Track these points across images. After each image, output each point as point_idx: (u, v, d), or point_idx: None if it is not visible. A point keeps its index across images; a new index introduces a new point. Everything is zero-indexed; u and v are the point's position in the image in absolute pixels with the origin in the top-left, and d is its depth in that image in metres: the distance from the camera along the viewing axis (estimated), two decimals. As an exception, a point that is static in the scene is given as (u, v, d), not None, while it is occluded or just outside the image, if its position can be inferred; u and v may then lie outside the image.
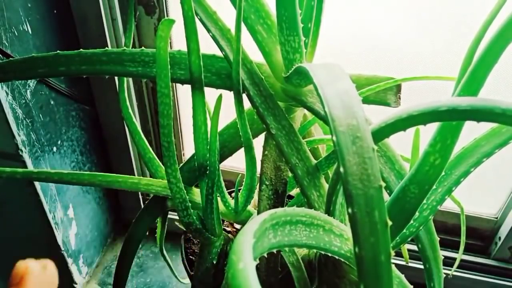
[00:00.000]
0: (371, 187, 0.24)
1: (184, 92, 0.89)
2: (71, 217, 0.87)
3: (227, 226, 0.68)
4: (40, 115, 0.72)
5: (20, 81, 0.66)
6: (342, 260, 0.38)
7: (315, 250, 0.48)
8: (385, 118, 0.31)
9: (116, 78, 0.79)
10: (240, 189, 0.58)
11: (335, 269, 0.43)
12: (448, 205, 0.90)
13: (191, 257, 0.71)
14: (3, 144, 0.67)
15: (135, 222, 0.60)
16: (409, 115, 0.29)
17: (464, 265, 0.94)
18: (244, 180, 0.56)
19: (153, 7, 0.78)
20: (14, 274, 0.30)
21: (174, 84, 0.78)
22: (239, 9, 0.42)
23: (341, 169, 0.25)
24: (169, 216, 0.65)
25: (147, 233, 0.61)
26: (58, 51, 0.48)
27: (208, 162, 0.49)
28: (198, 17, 0.48)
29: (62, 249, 0.85)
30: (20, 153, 0.68)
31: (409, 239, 0.43)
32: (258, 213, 0.54)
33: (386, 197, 0.42)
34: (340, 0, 0.73)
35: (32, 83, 0.69)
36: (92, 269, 1.01)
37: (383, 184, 0.25)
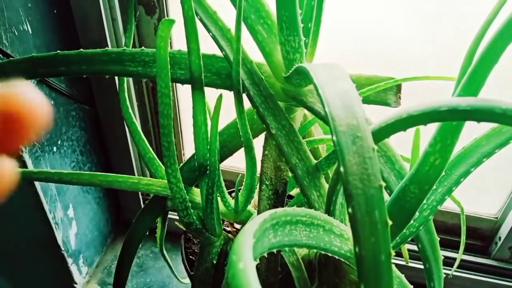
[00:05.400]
0: (371, 187, 0.24)
1: (184, 92, 0.89)
2: (71, 217, 0.87)
3: (227, 226, 0.68)
4: (40, 115, 0.72)
5: (20, 81, 0.65)
6: (342, 260, 0.38)
7: (315, 250, 0.48)
8: (385, 118, 0.31)
9: (116, 78, 0.79)
10: (240, 189, 0.58)
11: (335, 269, 0.43)
12: (448, 205, 0.90)
13: (191, 257, 0.71)
14: (3, 144, 0.67)
15: (135, 222, 0.60)
16: (409, 115, 0.29)
17: (464, 265, 0.94)
18: (244, 180, 0.56)
19: (153, 7, 0.78)
20: None
21: (174, 84, 0.78)
22: (239, 9, 0.42)
23: (341, 169, 0.25)
24: (169, 216, 0.65)
25: (147, 233, 0.61)
26: (58, 51, 0.48)
27: (208, 162, 0.49)
28: (198, 17, 0.48)
29: (62, 249, 0.85)
30: (20, 153, 0.68)
31: (409, 239, 0.43)
32: (258, 213, 0.54)
33: (386, 197, 0.42)
34: (341, 0, 0.73)
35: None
36: (92, 269, 1.01)
37: (383, 184, 0.25)
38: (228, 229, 0.67)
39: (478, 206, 0.92)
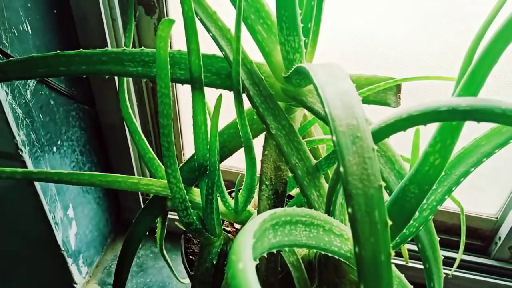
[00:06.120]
0: (371, 187, 0.24)
1: (184, 92, 0.89)
2: (71, 217, 0.87)
3: (227, 226, 0.68)
4: (40, 115, 0.72)
5: (20, 81, 0.66)
6: (342, 260, 0.38)
7: (315, 250, 0.48)
8: (385, 118, 0.31)
9: (116, 78, 0.79)
10: (240, 189, 0.58)
11: (335, 269, 0.43)
12: (448, 205, 0.90)
13: (191, 257, 0.71)
14: (3, 144, 0.67)
15: (135, 222, 0.60)
16: (409, 115, 0.29)
17: (464, 265, 0.94)
18: (244, 180, 0.56)
19: (153, 7, 0.78)
20: None
21: (174, 84, 0.78)
22: (239, 9, 0.42)
23: (341, 169, 0.25)
24: (169, 216, 0.65)
25: (147, 233, 0.61)
26: (58, 51, 0.48)
27: (208, 162, 0.49)
28: (198, 17, 0.48)
29: (62, 249, 0.85)
30: (20, 153, 0.68)
31: (409, 239, 0.43)
32: (258, 213, 0.54)
33: (386, 197, 0.42)
34: (341, 0, 0.73)
35: (32, 83, 0.69)
36: (92, 269, 1.01)
37: (383, 184, 0.25)
38: (228, 229, 0.67)
39: (478, 206, 0.92)
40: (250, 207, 0.61)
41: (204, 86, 0.47)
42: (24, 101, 0.67)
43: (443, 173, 0.36)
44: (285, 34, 0.43)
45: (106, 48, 0.49)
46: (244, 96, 0.47)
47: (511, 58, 0.71)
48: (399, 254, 0.65)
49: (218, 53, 0.50)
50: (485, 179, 0.87)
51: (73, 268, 0.91)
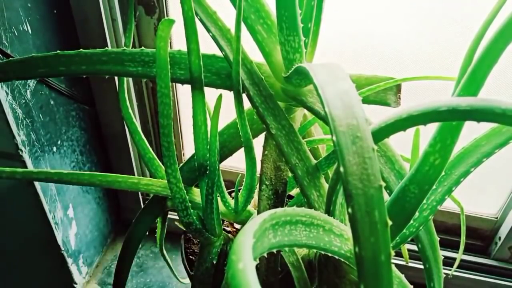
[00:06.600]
0: (371, 187, 0.24)
1: (184, 92, 0.89)
2: (71, 217, 0.87)
3: (227, 226, 0.68)
4: (40, 115, 0.72)
5: (20, 81, 0.66)
6: (342, 260, 0.38)
7: (315, 250, 0.48)
8: (385, 118, 0.31)
9: (116, 78, 0.79)
10: (240, 189, 0.58)
11: (335, 269, 0.43)
12: (448, 205, 0.90)
13: (191, 257, 0.71)
14: (3, 144, 0.67)
15: (135, 222, 0.60)
16: (409, 115, 0.29)
17: (464, 265, 0.94)
18: (244, 180, 0.56)
19: (153, 7, 0.78)
20: None
21: (174, 84, 0.78)
22: (239, 9, 0.42)
23: (341, 169, 0.25)
24: (169, 216, 0.65)
25: (147, 233, 0.61)
26: (58, 51, 0.48)
27: (208, 162, 0.49)
28: (198, 17, 0.48)
29: (62, 249, 0.85)
30: (20, 153, 0.68)
31: (409, 239, 0.43)
32: (258, 213, 0.54)
33: (386, 197, 0.42)
34: (341, 0, 0.73)
35: (32, 83, 0.69)
36: (92, 269, 1.01)
37: (383, 184, 0.25)
38: (228, 229, 0.67)
39: (478, 206, 0.92)
40: (250, 207, 0.61)
41: (204, 86, 0.47)
42: (24, 101, 0.67)
43: (443, 173, 0.36)
44: (285, 34, 0.43)
45: (106, 48, 0.49)
46: (244, 96, 0.47)
47: (511, 58, 0.71)
48: (399, 254, 0.65)
49: (218, 53, 0.50)
50: (485, 179, 0.87)
51: (73, 268, 0.91)
